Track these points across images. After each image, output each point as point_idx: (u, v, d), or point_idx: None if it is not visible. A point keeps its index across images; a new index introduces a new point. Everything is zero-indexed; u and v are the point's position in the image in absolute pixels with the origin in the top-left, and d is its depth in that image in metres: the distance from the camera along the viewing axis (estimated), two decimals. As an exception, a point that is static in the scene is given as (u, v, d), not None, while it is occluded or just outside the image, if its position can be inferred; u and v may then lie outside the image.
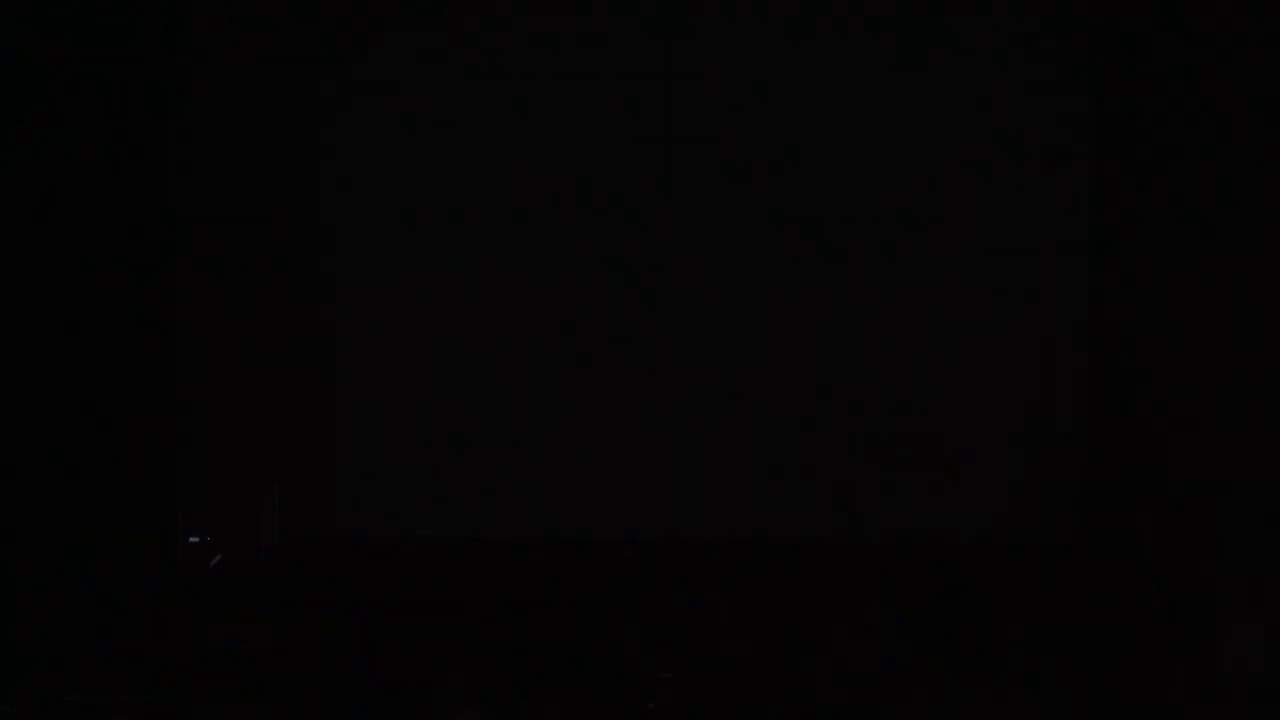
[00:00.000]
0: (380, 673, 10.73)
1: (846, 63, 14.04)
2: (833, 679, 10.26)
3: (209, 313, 13.91)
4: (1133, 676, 10.29)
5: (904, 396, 14.04)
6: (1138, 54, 12.98)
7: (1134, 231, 13.09)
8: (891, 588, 12.59)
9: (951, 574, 12.99)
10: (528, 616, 12.07)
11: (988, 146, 13.93)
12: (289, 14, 13.76)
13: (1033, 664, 10.59)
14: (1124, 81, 13.22)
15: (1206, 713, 9.63)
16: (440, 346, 13.96)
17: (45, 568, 11.42)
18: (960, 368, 14.01)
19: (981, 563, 13.21)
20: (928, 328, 14.04)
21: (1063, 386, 13.99)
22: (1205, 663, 10.40)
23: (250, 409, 13.80)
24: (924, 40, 13.92)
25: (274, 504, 11.56)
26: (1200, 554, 11.59)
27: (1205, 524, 11.64)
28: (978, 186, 13.97)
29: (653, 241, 14.18)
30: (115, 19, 12.46)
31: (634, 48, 14.04)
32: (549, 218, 14.13)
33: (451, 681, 10.40)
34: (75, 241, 12.37)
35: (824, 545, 13.59)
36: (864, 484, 13.97)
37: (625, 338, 14.15)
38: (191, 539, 11.22)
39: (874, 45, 14.04)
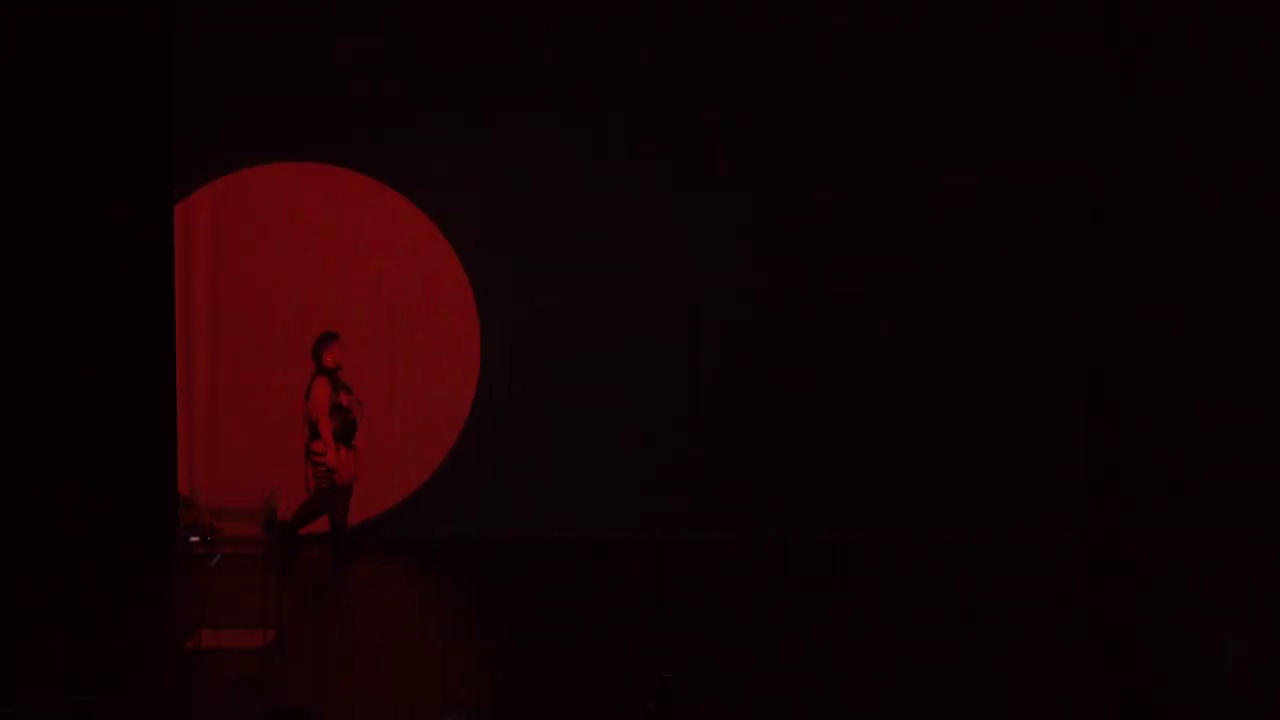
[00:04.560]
0: (376, 671, 10.73)
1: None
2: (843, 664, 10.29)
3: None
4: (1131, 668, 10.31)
5: (909, 400, 14.06)
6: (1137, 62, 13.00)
7: (1133, 235, 13.11)
8: (900, 582, 12.61)
9: (959, 569, 13.01)
10: (529, 615, 12.08)
11: (991, 153, 13.95)
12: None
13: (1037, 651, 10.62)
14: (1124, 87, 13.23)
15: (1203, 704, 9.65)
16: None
17: (45, 567, 11.42)
18: (964, 373, 14.02)
19: (987, 558, 13.23)
20: (934, 334, 14.06)
21: (1065, 388, 14.01)
22: (1202, 655, 10.42)
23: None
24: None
25: (273, 504, 11.56)
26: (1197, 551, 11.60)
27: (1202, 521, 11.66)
28: (981, 192, 13.98)
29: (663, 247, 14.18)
30: None
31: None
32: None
33: (448, 680, 10.41)
34: (81, 252, 12.39)
35: (832, 543, 13.61)
36: (871, 484, 13.99)
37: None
38: (191, 539, 11.23)
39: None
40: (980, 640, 11.11)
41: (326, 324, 13.09)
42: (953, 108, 13.94)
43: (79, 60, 12.28)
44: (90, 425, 12.48)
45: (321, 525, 13.03)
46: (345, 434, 12.71)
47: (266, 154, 13.78)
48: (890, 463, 13.97)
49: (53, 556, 11.79)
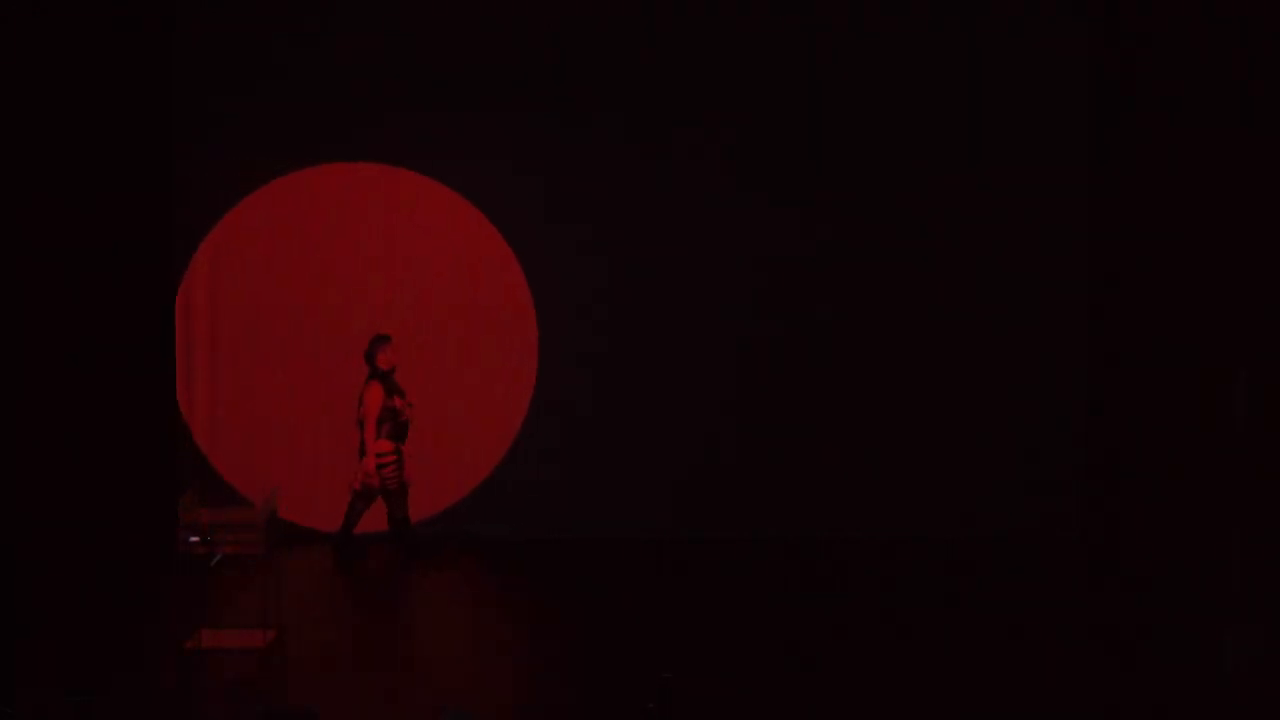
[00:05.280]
0: (373, 670, 10.73)
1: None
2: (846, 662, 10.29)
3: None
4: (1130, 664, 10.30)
5: (908, 400, 14.06)
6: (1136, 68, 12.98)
7: (1133, 235, 13.09)
8: (900, 582, 12.61)
9: (959, 569, 13.02)
10: (529, 614, 12.08)
11: (991, 153, 13.95)
12: None
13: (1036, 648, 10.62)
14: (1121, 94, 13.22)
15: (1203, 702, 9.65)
16: None
17: (45, 568, 11.41)
18: (964, 373, 14.02)
19: (987, 558, 13.24)
20: (934, 334, 14.05)
21: (1065, 388, 14.01)
22: (1201, 653, 10.42)
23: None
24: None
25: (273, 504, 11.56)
26: (1197, 550, 11.59)
27: (1201, 521, 11.64)
28: (981, 192, 13.98)
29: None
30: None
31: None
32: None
33: (446, 679, 10.41)
34: (80, 251, 12.37)
35: (832, 543, 13.62)
36: (871, 484, 13.99)
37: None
38: (191, 539, 11.21)
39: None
40: (980, 640, 11.10)
41: (377, 325, 13.22)
42: (953, 108, 13.94)
43: (79, 60, 12.27)
44: (89, 424, 12.47)
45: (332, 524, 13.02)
46: (396, 435, 12.83)
47: (267, 154, 13.79)
48: (890, 463, 13.97)
49: (53, 557, 11.77)
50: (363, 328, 13.34)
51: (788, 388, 14.03)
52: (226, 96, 13.72)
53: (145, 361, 13.31)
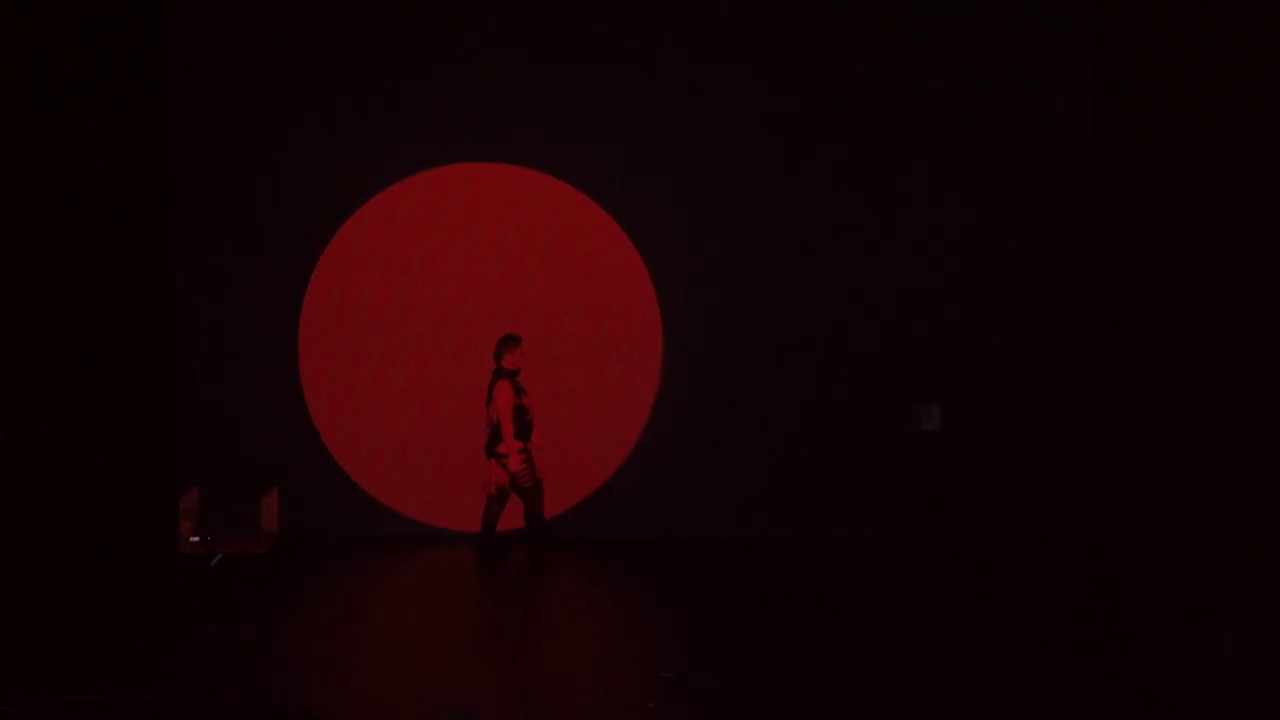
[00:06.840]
0: (371, 670, 10.74)
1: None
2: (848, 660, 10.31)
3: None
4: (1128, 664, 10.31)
5: (908, 400, 14.07)
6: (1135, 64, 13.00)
7: (1133, 235, 13.11)
8: (899, 582, 12.62)
9: (959, 569, 13.02)
10: (530, 612, 12.10)
11: (991, 153, 13.97)
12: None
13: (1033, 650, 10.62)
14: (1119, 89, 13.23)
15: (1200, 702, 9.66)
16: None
17: (46, 568, 11.41)
18: (964, 374, 14.04)
19: (987, 558, 13.25)
20: (934, 335, 14.07)
21: (1065, 389, 14.03)
22: (1199, 654, 10.42)
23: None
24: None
25: (274, 504, 11.58)
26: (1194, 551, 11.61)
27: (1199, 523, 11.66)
28: (982, 192, 14.00)
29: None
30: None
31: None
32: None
33: (444, 680, 10.42)
34: (79, 252, 12.38)
35: (831, 543, 13.64)
36: (871, 484, 14.00)
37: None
38: (192, 539, 11.23)
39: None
40: (979, 641, 11.10)
41: (506, 325, 13.34)
42: (952, 107, 13.95)
43: (79, 60, 12.26)
44: (89, 424, 12.47)
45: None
46: (522, 435, 12.96)
47: (267, 153, 13.81)
48: (890, 463, 13.98)
49: (53, 556, 11.77)
50: (491, 327, 13.48)
51: (786, 388, 14.04)
52: (227, 96, 13.73)
53: (145, 361, 13.30)
